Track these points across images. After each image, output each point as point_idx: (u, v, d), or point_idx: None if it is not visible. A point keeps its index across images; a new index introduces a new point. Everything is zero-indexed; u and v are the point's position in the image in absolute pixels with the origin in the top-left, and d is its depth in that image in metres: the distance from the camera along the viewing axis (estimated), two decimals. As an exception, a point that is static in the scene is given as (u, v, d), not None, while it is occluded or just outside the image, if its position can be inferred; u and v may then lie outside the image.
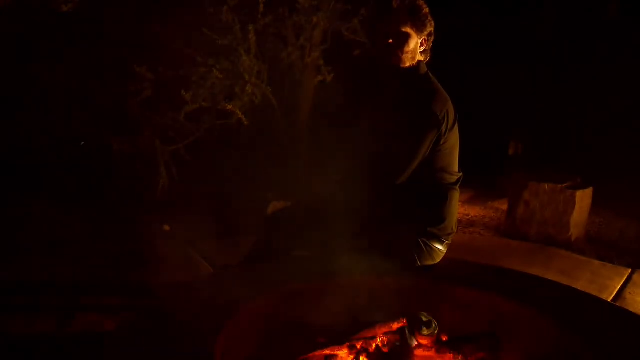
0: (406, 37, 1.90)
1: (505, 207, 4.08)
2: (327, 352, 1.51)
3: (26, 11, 3.94)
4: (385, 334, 1.58)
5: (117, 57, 3.85)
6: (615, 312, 1.81)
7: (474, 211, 4.39)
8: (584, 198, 3.73)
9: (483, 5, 5.90)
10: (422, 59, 1.98)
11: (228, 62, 3.77)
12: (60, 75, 3.99)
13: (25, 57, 4.05)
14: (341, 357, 1.51)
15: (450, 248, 2.07)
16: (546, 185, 3.71)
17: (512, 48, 5.86)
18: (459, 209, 2.13)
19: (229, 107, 3.80)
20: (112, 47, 3.88)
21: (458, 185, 2.05)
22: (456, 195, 2.06)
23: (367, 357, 1.52)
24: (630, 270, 3.13)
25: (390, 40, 1.89)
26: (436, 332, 1.63)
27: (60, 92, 4.06)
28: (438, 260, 2.02)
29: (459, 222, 3.56)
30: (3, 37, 3.94)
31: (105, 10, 3.87)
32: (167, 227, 3.61)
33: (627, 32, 5.65)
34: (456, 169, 2.05)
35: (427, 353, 1.58)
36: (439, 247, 2.01)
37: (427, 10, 1.92)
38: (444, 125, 1.90)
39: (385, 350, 1.54)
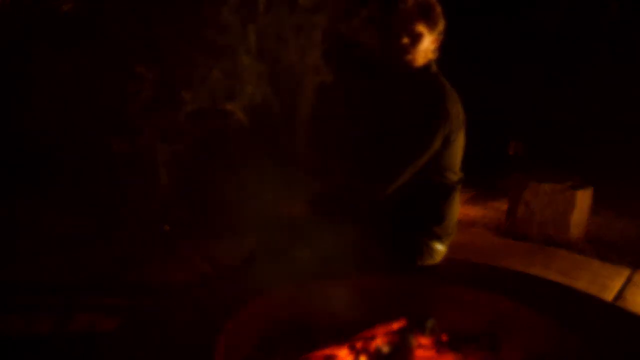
0: (420, 36, 1.91)
1: (505, 207, 4.08)
2: (327, 352, 1.51)
3: (26, 11, 3.94)
4: (385, 334, 1.58)
5: (117, 57, 3.84)
6: (615, 312, 1.81)
7: (474, 211, 4.39)
8: (584, 198, 3.73)
9: (483, 4, 5.90)
10: (432, 58, 1.99)
11: (228, 62, 3.77)
12: (60, 76, 3.99)
13: (25, 57, 4.05)
14: (341, 357, 1.51)
15: (450, 248, 2.07)
16: (546, 186, 3.71)
17: (512, 48, 5.86)
18: (459, 209, 2.13)
19: (229, 107, 3.80)
20: (112, 47, 3.88)
21: (459, 186, 2.06)
22: (457, 195, 2.06)
23: (367, 357, 1.52)
24: (630, 270, 3.13)
25: (405, 40, 1.90)
26: (436, 332, 1.63)
27: (60, 93, 4.06)
28: (438, 260, 2.02)
29: (459, 222, 3.56)
30: (2, 37, 3.94)
31: (105, 10, 3.87)
32: (167, 227, 3.61)
33: (627, 32, 5.65)
34: (459, 168, 2.06)
35: (427, 353, 1.58)
36: (440, 246, 2.01)
37: (439, 9, 1.94)
38: (455, 122, 1.91)
39: (385, 350, 1.54)
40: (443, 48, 2.02)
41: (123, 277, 2.86)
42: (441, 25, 1.96)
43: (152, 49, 3.78)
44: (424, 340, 1.59)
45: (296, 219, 2.10)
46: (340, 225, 1.88)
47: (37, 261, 3.01)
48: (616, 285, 2.95)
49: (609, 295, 2.82)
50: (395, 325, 1.60)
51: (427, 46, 1.94)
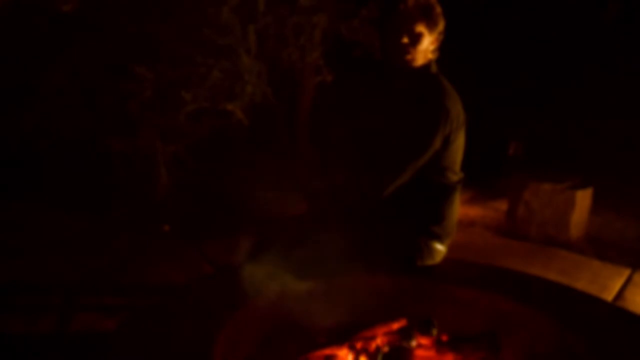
0: (420, 36, 1.91)
1: (505, 207, 4.08)
2: (327, 352, 1.51)
3: (25, 11, 3.94)
4: (385, 334, 1.58)
5: (117, 57, 3.84)
6: (615, 312, 1.81)
7: (474, 211, 4.39)
8: (584, 198, 3.73)
9: (483, 4, 5.90)
10: (432, 58, 1.99)
11: (228, 62, 3.77)
12: (59, 76, 3.99)
13: (24, 58, 4.05)
14: (341, 357, 1.51)
15: (450, 248, 2.07)
16: (546, 185, 3.71)
17: (512, 48, 5.87)
18: (459, 209, 2.13)
19: (229, 107, 3.81)
20: (112, 47, 3.88)
21: (459, 185, 2.06)
22: (457, 195, 2.06)
23: (367, 357, 1.52)
24: (630, 270, 3.14)
25: (405, 40, 1.90)
26: (436, 332, 1.63)
27: (60, 93, 4.06)
28: (438, 260, 2.02)
29: (459, 222, 3.57)
30: (2, 36, 3.94)
31: (105, 10, 3.87)
32: (167, 227, 3.61)
33: (627, 33, 5.65)
34: (459, 168, 2.06)
35: (427, 353, 1.58)
36: (439, 246, 2.01)
37: (439, 9, 1.94)
38: (455, 122, 1.92)
39: (385, 350, 1.54)
40: (443, 48, 2.02)
41: (123, 277, 2.86)
42: (441, 26, 1.96)
43: (152, 49, 3.78)
44: (424, 340, 1.59)
45: (296, 219, 2.10)
46: (340, 225, 1.88)
47: (37, 261, 3.01)
48: (616, 285, 2.95)
49: (609, 295, 2.82)
50: (395, 325, 1.60)
51: (427, 46, 1.94)
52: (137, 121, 3.89)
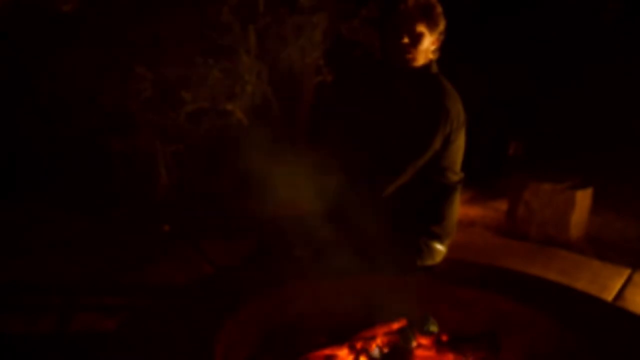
0: (420, 36, 1.91)
1: (505, 207, 4.08)
2: (327, 352, 1.51)
3: (25, 11, 3.94)
4: (385, 334, 1.58)
5: (117, 57, 3.84)
6: (615, 312, 1.81)
7: (474, 211, 4.39)
8: (584, 198, 3.73)
9: (484, 4, 5.90)
10: (433, 58, 1.99)
11: (228, 62, 3.77)
12: (59, 76, 3.99)
13: (24, 58, 4.05)
14: (341, 357, 1.51)
15: (450, 248, 2.07)
16: (546, 185, 3.71)
17: (512, 48, 5.86)
18: (459, 209, 2.13)
19: (229, 107, 3.81)
20: (112, 47, 3.88)
21: (459, 185, 2.06)
22: (458, 195, 2.06)
23: (367, 357, 1.52)
24: (630, 270, 3.14)
25: (405, 40, 1.90)
26: (436, 332, 1.63)
27: (60, 93, 4.06)
28: (438, 260, 2.02)
29: (459, 222, 3.57)
30: (2, 37, 3.94)
31: (105, 10, 3.87)
32: (167, 227, 3.61)
33: (627, 33, 5.65)
34: (459, 168, 2.06)
35: (427, 353, 1.58)
36: (440, 246, 2.01)
37: (440, 9, 1.94)
38: (455, 122, 1.92)
39: (385, 350, 1.54)
40: (443, 48, 2.02)
41: (123, 277, 2.86)
42: (442, 26, 1.96)
43: (152, 49, 3.78)
44: (424, 340, 1.59)
45: (296, 219, 2.10)
46: (339, 225, 1.88)
47: (37, 261, 3.01)
48: (616, 285, 2.95)
49: (609, 295, 2.82)
50: (395, 325, 1.60)
51: (427, 46, 1.94)
52: (137, 121, 3.89)
